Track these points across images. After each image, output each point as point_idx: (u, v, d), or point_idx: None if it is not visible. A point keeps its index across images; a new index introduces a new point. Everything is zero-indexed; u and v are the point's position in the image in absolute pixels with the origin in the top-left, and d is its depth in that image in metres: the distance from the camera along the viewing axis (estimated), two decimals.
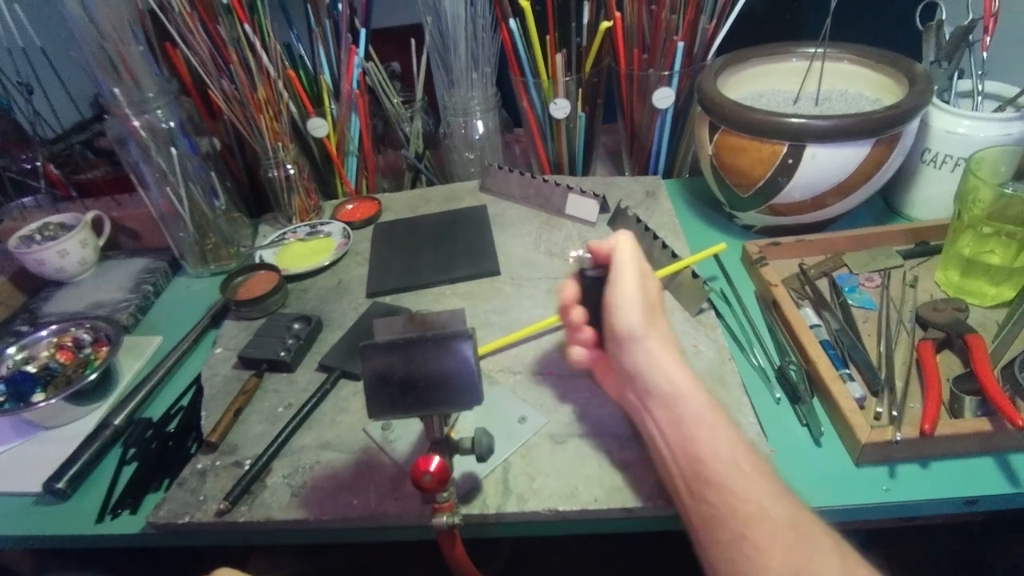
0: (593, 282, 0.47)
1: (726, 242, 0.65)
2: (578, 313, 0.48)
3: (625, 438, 0.50)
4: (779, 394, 0.54)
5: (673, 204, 0.79)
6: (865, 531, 0.77)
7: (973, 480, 0.46)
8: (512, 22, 0.77)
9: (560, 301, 0.49)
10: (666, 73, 0.78)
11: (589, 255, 0.47)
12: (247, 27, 0.72)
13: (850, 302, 0.61)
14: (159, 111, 0.70)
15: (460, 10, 0.75)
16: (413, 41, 0.84)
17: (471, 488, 0.48)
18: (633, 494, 0.46)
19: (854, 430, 0.47)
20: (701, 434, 0.39)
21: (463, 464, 0.49)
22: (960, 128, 0.65)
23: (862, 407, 0.50)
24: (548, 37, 0.78)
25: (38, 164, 0.88)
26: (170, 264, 0.82)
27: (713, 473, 0.37)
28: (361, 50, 0.81)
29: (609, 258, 0.45)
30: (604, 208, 0.77)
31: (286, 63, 0.78)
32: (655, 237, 0.67)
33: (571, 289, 0.49)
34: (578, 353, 0.49)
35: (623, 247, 0.45)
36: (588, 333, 0.48)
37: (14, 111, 0.86)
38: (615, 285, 0.44)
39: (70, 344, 0.66)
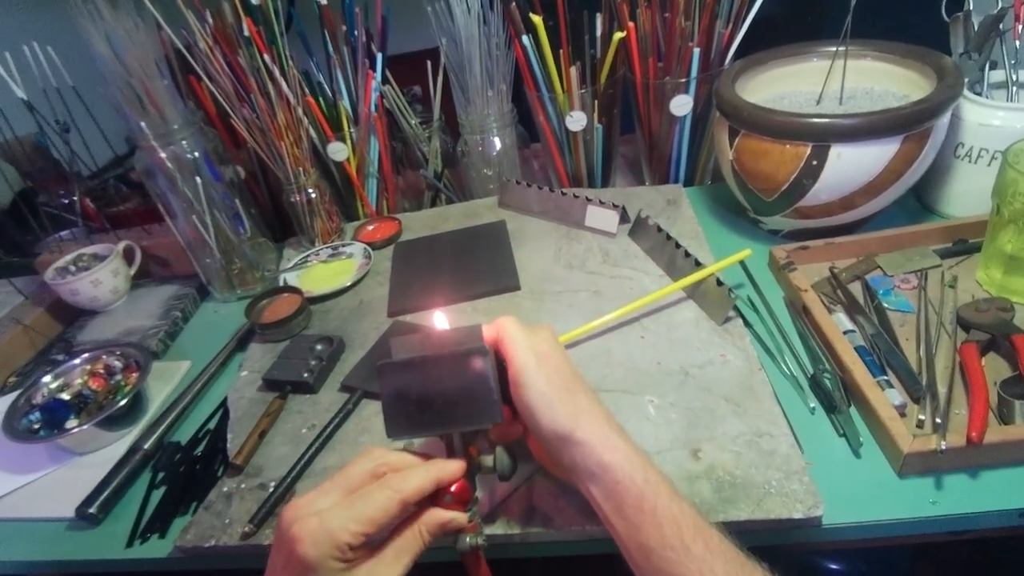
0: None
1: (752, 248, 0.63)
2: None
3: (653, 453, 0.49)
4: (813, 403, 0.52)
5: (695, 212, 0.78)
6: (913, 546, 0.73)
7: None
8: (525, 38, 0.77)
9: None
10: (683, 80, 0.77)
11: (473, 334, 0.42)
12: (266, 57, 0.74)
13: (885, 305, 0.59)
14: (184, 142, 0.72)
15: (474, 30, 0.75)
16: (429, 63, 0.85)
17: (495, 508, 0.47)
18: None
19: (895, 439, 0.45)
20: (644, 521, 0.36)
21: (486, 483, 0.48)
22: (995, 120, 0.63)
23: (903, 415, 0.48)
24: (561, 51, 0.78)
25: (75, 199, 0.91)
26: (198, 290, 0.84)
27: (664, 562, 0.35)
28: (378, 74, 0.83)
29: (495, 344, 0.41)
30: (624, 219, 0.76)
31: (305, 90, 0.80)
32: (677, 246, 0.66)
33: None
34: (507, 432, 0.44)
35: (511, 337, 0.41)
36: (518, 429, 0.43)
37: (52, 149, 0.90)
38: (523, 386, 0.39)
39: (102, 371, 0.67)
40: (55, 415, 0.63)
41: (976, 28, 0.66)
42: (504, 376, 0.41)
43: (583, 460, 0.38)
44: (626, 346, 0.60)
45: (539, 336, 0.42)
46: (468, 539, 0.40)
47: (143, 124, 0.69)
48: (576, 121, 0.82)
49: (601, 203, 0.76)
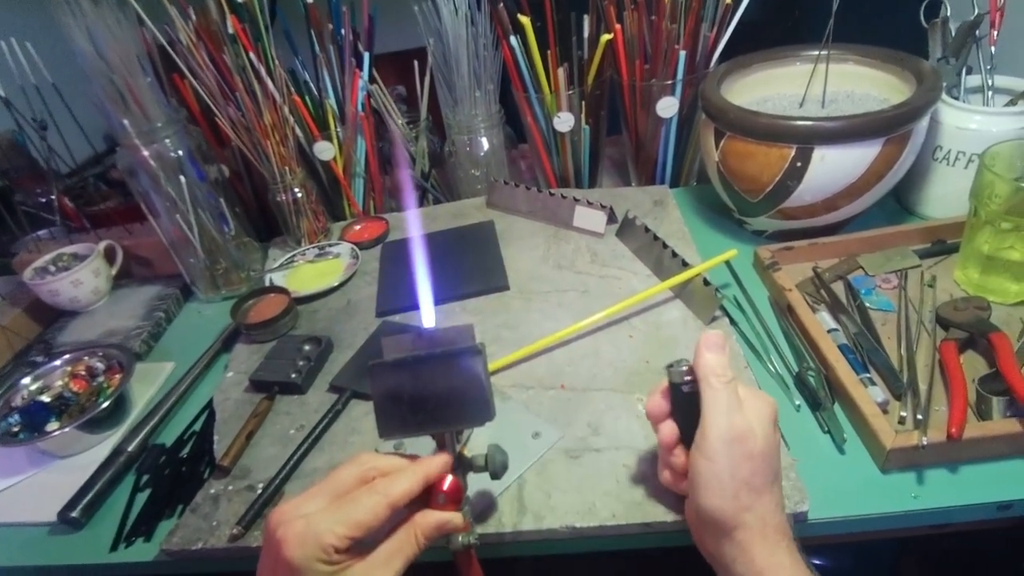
0: (687, 396, 0.40)
1: (737, 248, 0.64)
2: (668, 431, 0.40)
3: (643, 451, 0.49)
4: (798, 401, 0.53)
5: (682, 212, 0.78)
6: (897, 540, 0.74)
7: (1005, 484, 0.45)
8: (513, 39, 0.77)
9: (649, 417, 0.42)
10: (669, 82, 0.78)
11: (684, 367, 0.40)
12: (252, 55, 0.73)
13: (867, 304, 0.60)
14: (168, 140, 0.70)
15: (461, 30, 0.75)
16: (416, 63, 0.85)
17: (486, 506, 0.47)
18: (652, 508, 0.45)
19: (878, 436, 0.46)
20: None
21: (477, 482, 0.48)
22: (972, 124, 0.64)
23: (885, 412, 0.49)
24: (549, 52, 0.78)
25: (53, 198, 0.89)
26: (181, 290, 0.82)
27: None
28: (365, 73, 0.82)
29: (699, 371, 0.38)
30: (612, 219, 0.76)
31: (291, 89, 0.80)
32: (664, 246, 0.67)
33: (659, 405, 0.41)
34: (666, 479, 0.42)
35: (714, 394, 0.37)
36: (680, 459, 0.40)
37: (29, 147, 0.88)
38: (701, 454, 0.36)
39: (83, 372, 0.66)
40: (35, 418, 0.61)
41: (953, 34, 0.67)
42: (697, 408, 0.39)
43: (732, 559, 0.36)
44: (615, 345, 0.60)
45: (749, 410, 0.37)
46: (460, 538, 0.40)
47: (126, 122, 0.67)
48: (564, 122, 0.82)
49: (589, 203, 0.77)
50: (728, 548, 0.36)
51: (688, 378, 0.40)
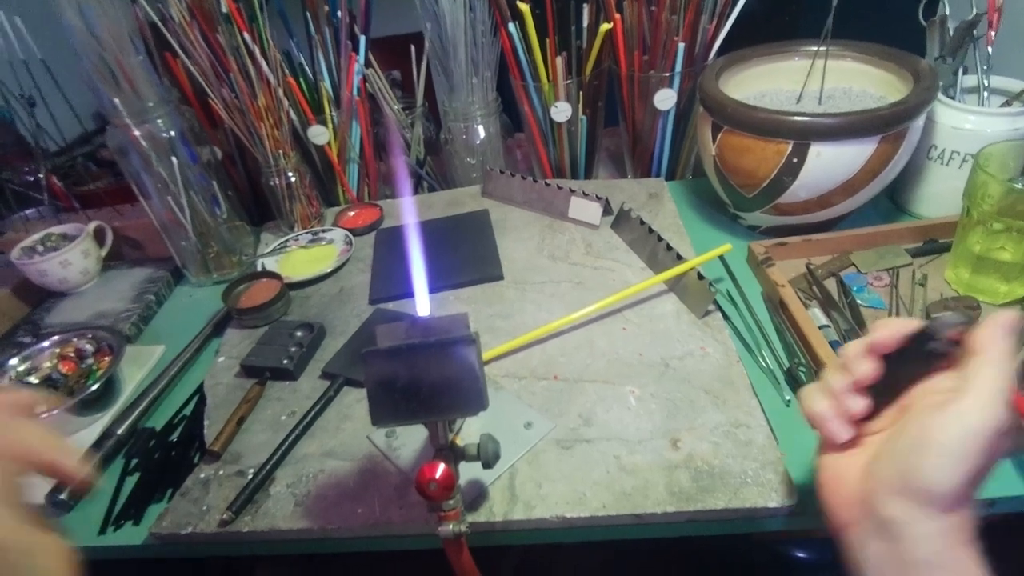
0: (928, 355, 0.33)
1: (731, 243, 0.65)
2: (868, 368, 0.34)
3: (634, 443, 0.50)
4: (789, 396, 0.54)
5: (677, 206, 0.78)
6: None
7: (991, 481, 0.45)
8: (511, 26, 0.77)
9: (871, 340, 0.34)
10: (667, 74, 0.77)
11: (957, 324, 0.32)
12: (246, 36, 0.72)
13: (859, 302, 0.60)
14: (160, 120, 0.69)
15: (459, 16, 0.75)
16: (413, 48, 0.84)
17: (477, 495, 0.48)
18: (642, 499, 0.46)
19: None
20: None
21: (469, 471, 0.48)
22: (966, 124, 0.65)
23: None
24: (548, 40, 0.78)
25: (41, 176, 0.88)
26: (172, 273, 0.82)
27: None
28: (361, 57, 0.81)
29: (971, 350, 0.31)
30: (607, 211, 0.76)
31: (286, 71, 0.79)
32: (659, 239, 0.67)
33: (890, 336, 0.34)
34: (838, 428, 0.35)
35: (993, 361, 0.31)
36: (860, 406, 0.34)
37: (17, 124, 0.86)
38: (953, 413, 0.30)
39: (72, 354, 0.65)
40: None
41: (951, 33, 0.67)
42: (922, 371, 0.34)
43: (929, 550, 0.29)
44: (608, 337, 0.60)
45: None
46: (451, 526, 0.40)
47: (117, 101, 0.66)
48: (561, 112, 0.82)
49: (585, 195, 0.76)
50: (930, 536, 0.30)
51: (950, 336, 0.32)
